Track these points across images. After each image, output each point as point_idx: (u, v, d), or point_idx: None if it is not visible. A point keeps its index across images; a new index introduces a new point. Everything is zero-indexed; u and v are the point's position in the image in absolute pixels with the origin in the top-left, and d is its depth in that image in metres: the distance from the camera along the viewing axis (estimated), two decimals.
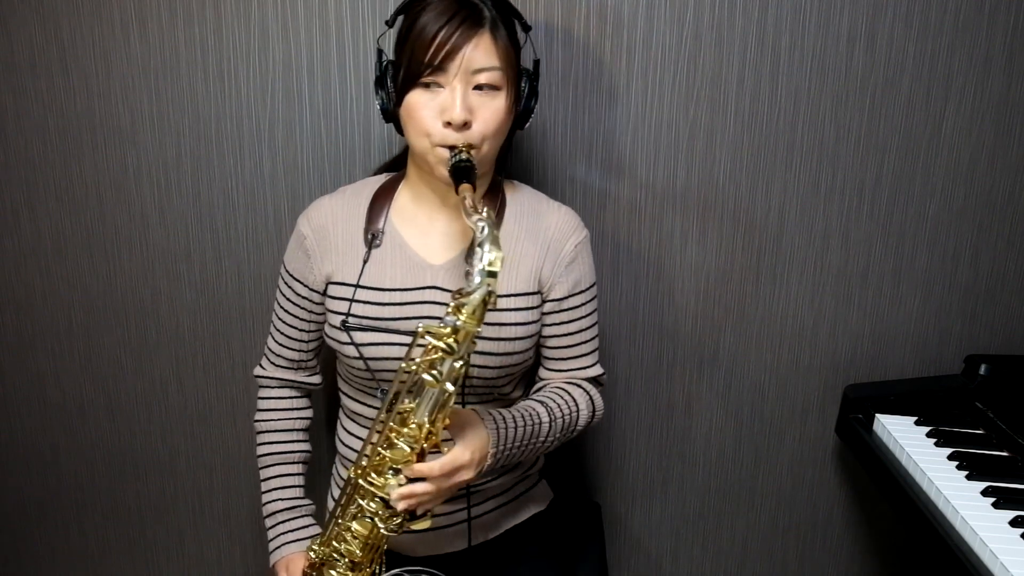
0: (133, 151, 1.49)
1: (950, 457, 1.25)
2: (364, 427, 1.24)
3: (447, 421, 1.02)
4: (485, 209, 0.95)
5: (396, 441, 1.01)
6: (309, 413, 1.33)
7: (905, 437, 1.32)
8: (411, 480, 1.01)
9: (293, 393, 1.31)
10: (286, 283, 1.23)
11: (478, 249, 0.92)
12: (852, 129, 1.41)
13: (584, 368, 1.24)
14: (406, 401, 1.00)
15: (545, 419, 1.14)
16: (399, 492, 1.00)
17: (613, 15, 1.37)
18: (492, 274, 0.91)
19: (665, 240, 1.48)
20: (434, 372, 0.96)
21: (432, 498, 1.02)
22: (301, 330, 1.25)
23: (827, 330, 1.52)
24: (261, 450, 1.29)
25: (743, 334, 1.53)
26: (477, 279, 0.91)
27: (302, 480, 1.29)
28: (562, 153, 1.44)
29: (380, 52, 1.13)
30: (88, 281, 1.57)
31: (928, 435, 1.32)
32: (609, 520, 1.64)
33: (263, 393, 1.31)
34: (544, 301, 1.19)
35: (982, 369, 1.43)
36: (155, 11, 1.41)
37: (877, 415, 1.39)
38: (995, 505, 1.12)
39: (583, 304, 1.21)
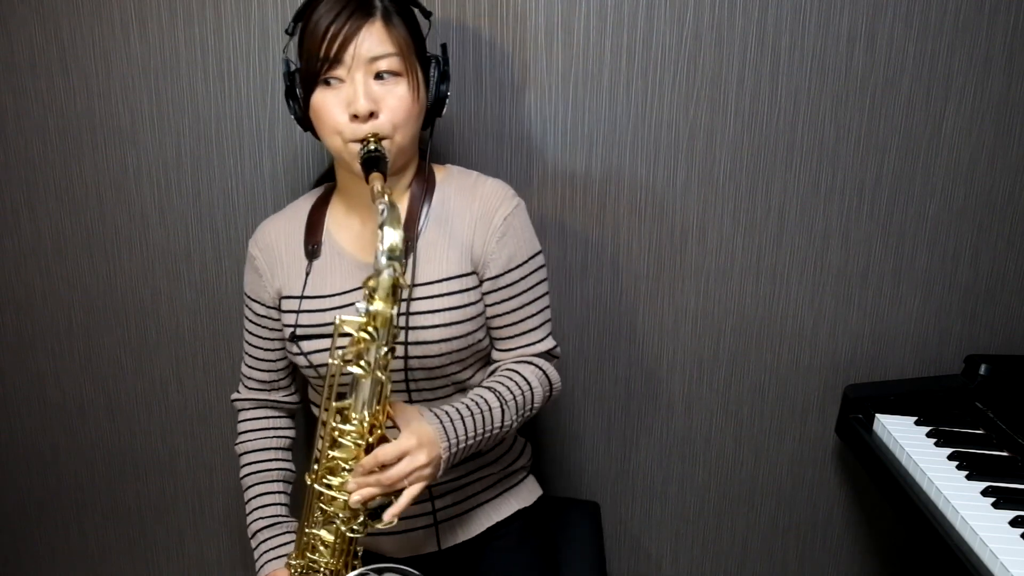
0: (133, 151, 1.49)
1: (950, 457, 1.25)
2: None
3: (389, 411, 1.02)
4: (387, 194, 0.96)
5: (341, 440, 1.02)
6: (290, 433, 1.33)
7: (905, 437, 1.32)
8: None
9: (270, 413, 1.32)
10: (247, 306, 1.26)
11: (379, 231, 0.93)
12: (852, 129, 1.41)
13: (532, 344, 1.21)
14: (345, 398, 1.01)
15: (495, 404, 1.12)
16: (350, 484, 1.01)
17: (613, 15, 1.37)
18: (394, 253, 0.93)
19: (665, 240, 1.48)
20: (362, 363, 0.96)
21: (385, 488, 1.01)
22: (266, 349, 1.27)
23: (827, 330, 1.52)
24: (243, 472, 1.29)
25: (743, 334, 1.53)
26: (383, 261, 0.93)
27: (284, 499, 1.28)
28: (562, 153, 1.44)
29: (287, 62, 1.13)
30: (88, 281, 1.57)
31: (928, 435, 1.32)
32: (609, 520, 1.64)
33: (241, 416, 1.33)
34: (482, 280, 1.17)
35: (982, 369, 1.42)
36: (155, 11, 1.41)
37: (877, 415, 1.39)
38: (995, 505, 1.12)
39: (523, 278, 1.18)
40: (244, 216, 1.51)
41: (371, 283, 0.94)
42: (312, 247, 1.19)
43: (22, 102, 1.48)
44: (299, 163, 1.47)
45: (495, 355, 1.23)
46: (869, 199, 1.45)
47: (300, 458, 1.34)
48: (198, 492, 1.68)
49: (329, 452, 1.04)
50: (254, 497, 1.26)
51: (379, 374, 0.97)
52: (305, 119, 1.12)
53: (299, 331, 1.16)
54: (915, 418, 1.38)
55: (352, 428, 1.01)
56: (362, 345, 0.96)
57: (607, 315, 1.52)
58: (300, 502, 1.30)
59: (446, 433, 1.06)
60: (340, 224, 1.20)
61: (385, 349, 0.97)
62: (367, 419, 1.00)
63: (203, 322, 1.57)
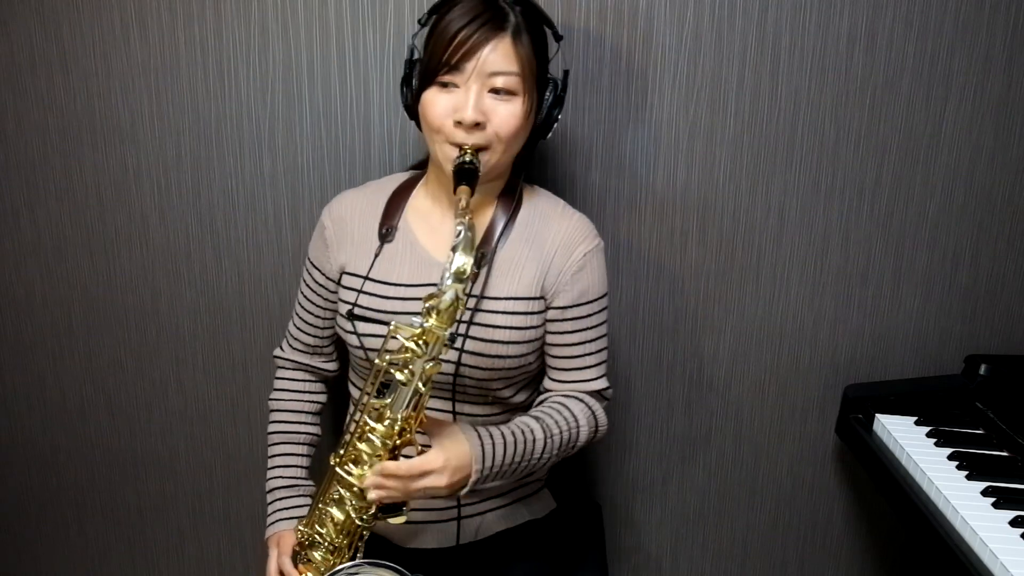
0: (133, 151, 1.49)
1: (950, 457, 1.25)
2: None
3: (423, 421, 1.03)
4: (468, 215, 0.97)
5: (370, 436, 1.03)
6: (322, 398, 1.36)
7: (905, 437, 1.32)
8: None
9: (307, 377, 1.34)
10: (307, 270, 1.27)
11: (451, 253, 0.94)
12: (852, 129, 1.41)
13: (587, 380, 1.22)
14: (382, 397, 1.02)
15: (540, 436, 1.12)
16: (369, 480, 1.02)
17: (613, 15, 1.37)
18: (460, 278, 0.94)
19: (665, 240, 1.48)
20: (406, 370, 0.98)
21: (398, 495, 1.02)
22: (317, 316, 1.28)
23: (827, 330, 1.52)
24: (271, 428, 1.32)
25: (743, 334, 1.53)
26: (447, 282, 0.94)
27: (306, 461, 1.31)
28: (562, 153, 1.44)
29: (411, 50, 1.14)
30: (88, 281, 1.57)
31: (928, 435, 1.32)
32: (609, 520, 1.64)
33: (279, 374, 1.35)
34: (548, 308, 1.18)
35: (982, 369, 1.42)
36: (155, 11, 1.41)
37: (877, 415, 1.39)
38: (995, 505, 1.12)
39: (589, 315, 1.19)
40: (244, 216, 1.51)
41: (431, 301, 0.95)
42: (386, 230, 1.19)
43: (22, 102, 1.48)
44: (299, 163, 1.47)
45: (548, 383, 1.24)
46: (869, 199, 1.45)
47: (327, 425, 1.37)
48: (198, 492, 1.68)
49: (356, 443, 1.05)
50: (278, 455, 1.30)
51: (420, 385, 0.99)
52: (412, 108, 1.13)
53: (357, 311, 1.17)
54: (915, 418, 1.38)
55: (382, 428, 1.02)
56: (409, 355, 0.97)
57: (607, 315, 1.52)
58: (320, 466, 1.32)
59: (483, 457, 1.06)
60: (419, 214, 1.20)
61: (431, 363, 0.98)
62: (399, 422, 1.01)
63: (203, 322, 1.57)
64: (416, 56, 1.13)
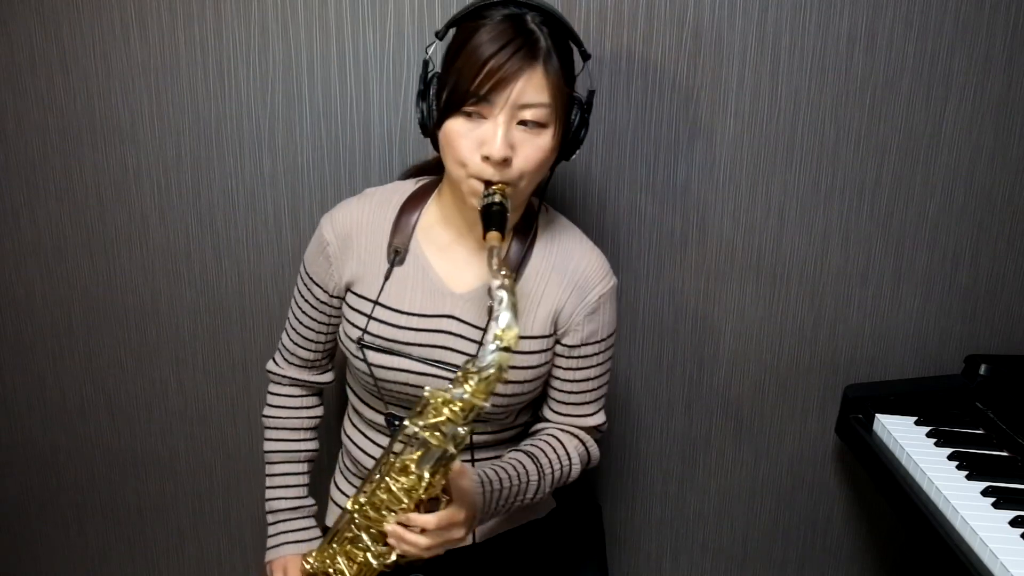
0: (133, 151, 1.49)
1: (950, 457, 1.25)
2: (368, 425, 1.24)
3: (446, 479, 1.01)
4: (505, 273, 0.91)
5: (393, 488, 1.01)
6: (319, 412, 1.31)
7: (905, 437, 1.32)
8: (405, 526, 1.01)
9: (304, 392, 1.30)
10: (305, 285, 1.20)
11: (493, 323, 0.89)
12: (852, 129, 1.41)
13: (585, 416, 1.22)
14: (409, 451, 0.99)
15: (534, 478, 1.13)
16: (393, 529, 1.00)
17: (613, 15, 1.37)
18: (506, 348, 0.89)
19: (665, 240, 1.48)
20: (438, 433, 0.95)
21: (420, 550, 1.00)
22: (317, 332, 1.23)
23: (827, 330, 1.52)
24: (268, 446, 1.28)
25: (743, 334, 1.53)
26: (490, 355, 0.89)
27: (307, 479, 1.29)
28: None
29: (426, 63, 1.05)
30: (88, 281, 1.57)
31: (928, 435, 1.32)
32: (609, 520, 1.64)
33: (273, 389, 1.30)
34: (557, 343, 1.16)
35: (982, 369, 1.42)
36: (155, 11, 1.41)
37: (877, 415, 1.39)
38: (995, 505, 1.12)
39: (595, 354, 1.18)
40: (244, 216, 1.51)
41: (471, 368, 0.91)
42: (396, 251, 1.13)
43: (22, 102, 1.48)
44: (299, 163, 1.47)
45: (546, 413, 1.23)
46: (869, 199, 1.45)
47: (323, 437, 1.35)
48: (198, 492, 1.68)
49: (378, 493, 1.03)
50: (278, 475, 1.26)
51: (451, 448, 0.95)
52: (429, 130, 1.06)
53: (367, 339, 1.13)
54: (915, 418, 1.38)
55: (408, 483, 0.99)
56: (443, 420, 0.94)
57: None
58: (317, 480, 1.32)
59: (485, 502, 1.06)
60: (431, 234, 1.14)
61: (464, 430, 0.94)
62: (427, 479, 0.98)
63: (203, 322, 1.57)
64: (432, 70, 1.05)
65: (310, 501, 1.28)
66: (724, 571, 1.68)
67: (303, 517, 1.25)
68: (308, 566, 1.15)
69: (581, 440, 1.22)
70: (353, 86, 1.42)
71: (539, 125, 1.01)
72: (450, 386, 0.94)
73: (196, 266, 1.54)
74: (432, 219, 1.15)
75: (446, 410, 0.93)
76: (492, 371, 0.90)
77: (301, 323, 1.23)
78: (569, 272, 1.14)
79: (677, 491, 1.63)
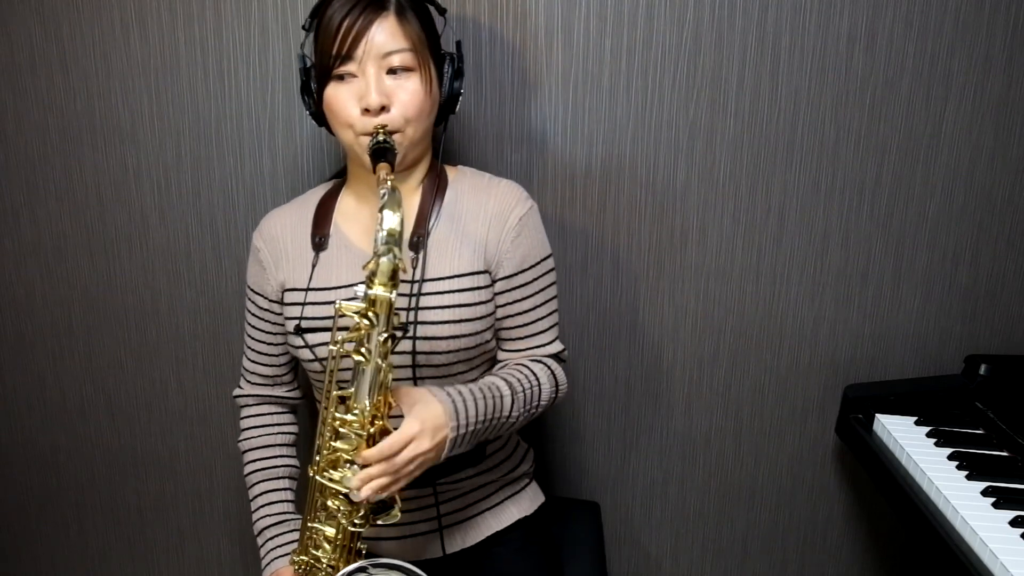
0: (133, 151, 1.49)
1: (950, 457, 1.25)
2: None
3: (392, 401, 1.01)
4: (390, 180, 0.97)
5: (343, 431, 1.01)
6: (293, 428, 1.32)
7: (905, 437, 1.31)
8: (365, 467, 1.00)
9: (273, 409, 1.31)
10: (249, 299, 1.25)
11: (378, 215, 0.93)
12: (852, 129, 1.41)
13: (541, 346, 1.21)
14: (345, 389, 1.00)
15: (506, 391, 1.12)
16: (355, 479, 1.00)
17: (613, 15, 1.37)
18: (393, 237, 0.93)
19: (665, 240, 1.48)
20: (363, 350, 0.96)
21: (391, 478, 1.00)
22: (270, 344, 1.26)
23: (827, 330, 1.52)
24: (247, 469, 1.28)
25: (743, 334, 1.53)
26: (382, 246, 0.93)
27: (290, 495, 1.27)
28: (562, 153, 1.44)
29: (302, 58, 1.14)
30: (88, 281, 1.57)
31: (928, 435, 1.32)
32: (609, 520, 1.64)
33: (244, 412, 1.31)
34: (494, 280, 1.17)
35: (982, 369, 1.42)
36: (155, 11, 1.41)
37: (877, 415, 1.39)
38: (995, 505, 1.12)
39: (535, 280, 1.18)
40: (244, 216, 1.51)
41: (370, 267, 0.94)
42: (319, 239, 1.18)
43: (22, 102, 1.48)
44: (299, 163, 1.47)
45: (501, 355, 1.23)
46: (869, 199, 1.45)
47: (303, 454, 1.33)
48: (198, 492, 1.68)
49: (331, 444, 1.03)
50: (260, 495, 1.26)
51: (379, 361, 0.97)
52: (319, 114, 1.13)
53: (304, 324, 1.15)
54: (915, 418, 1.38)
55: (354, 419, 1.00)
56: (362, 331, 0.95)
57: (607, 315, 1.52)
58: (303, 498, 1.31)
59: (456, 414, 1.04)
60: (349, 217, 1.20)
61: (385, 335, 0.96)
62: (368, 408, 0.99)
63: (203, 322, 1.57)
64: (309, 64, 1.12)
65: (295, 515, 1.26)
66: (724, 571, 1.68)
67: (289, 530, 1.24)
68: (296, 565, 1.15)
69: (545, 364, 1.21)
70: None
71: (407, 70, 1.07)
72: (358, 291, 0.96)
73: (196, 266, 1.54)
74: (348, 201, 1.22)
75: (362, 319, 0.95)
76: (387, 260, 0.92)
77: (253, 338, 1.26)
78: (484, 207, 1.17)
79: (677, 491, 1.64)
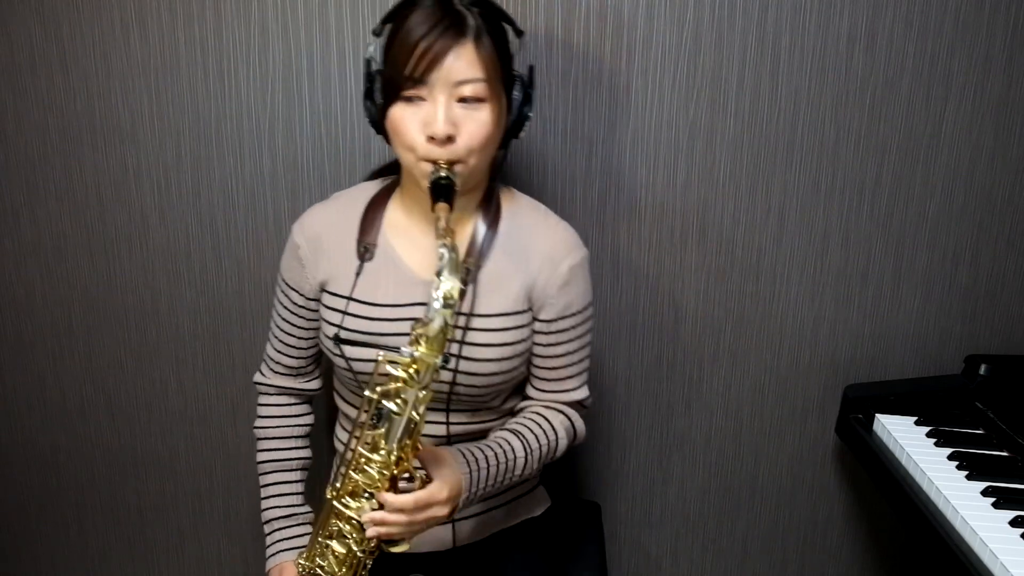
0: (133, 151, 1.49)
1: (950, 457, 1.25)
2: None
3: (418, 449, 1.02)
4: (450, 235, 0.95)
5: (367, 467, 1.02)
6: (309, 420, 1.33)
7: (905, 437, 1.32)
8: (383, 508, 1.01)
9: (292, 400, 1.31)
10: (283, 291, 1.23)
11: (436, 279, 0.92)
12: (852, 129, 1.41)
13: (568, 391, 1.22)
14: (376, 427, 1.00)
15: (520, 455, 1.13)
16: (370, 516, 1.01)
17: (613, 15, 1.37)
18: (449, 305, 0.91)
19: (665, 240, 1.48)
20: (398, 400, 0.97)
21: (402, 530, 1.02)
22: (299, 338, 1.25)
23: (827, 330, 1.52)
24: (260, 456, 1.29)
25: (743, 334, 1.53)
26: (435, 310, 0.92)
27: (301, 487, 1.29)
28: (562, 153, 1.44)
29: (368, 62, 1.10)
30: (88, 281, 1.57)
31: (928, 435, 1.32)
32: (609, 520, 1.64)
33: (262, 400, 1.31)
34: (534, 319, 1.17)
35: (982, 369, 1.42)
36: (155, 11, 1.41)
37: (877, 415, 1.39)
38: (995, 505, 1.12)
39: (573, 327, 1.18)
40: (244, 216, 1.51)
41: (420, 329, 0.93)
42: (365, 247, 1.16)
43: (22, 102, 1.48)
44: (299, 163, 1.47)
45: (530, 391, 1.24)
46: (869, 199, 1.45)
47: (317, 445, 1.35)
48: (198, 492, 1.68)
49: (352, 474, 1.04)
50: (272, 484, 1.27)
51: (414, 414, 0.97)
52: (379, 123, 1.10)
53: (343, 334, 1.14)
54: (915, 418, 1.38)
55: (379, 459, 1.00)
56: (401, 385, 0.96)
57: (607, 315, 1.52)
58: (313, 489, 1.31)
59: (471, 483, 1.06)
60: (398, 229, 1.17)
61: (423, 392, 0.96)
62: (395, 452, 0.99)
63: (203, 322, 1.57)
64: (375, 68, 1.09)
65: (305, 508, 1.28)
66: (724, 571, 1.68)
67: (298, 524, 1.25)
68: (300, 567, 1.15)
69: (566, 415, 1.22)
70: (353, 86, 1.42)
71: (478, 100, 1.03)
72: (404, 351, 0.96)
73: (196, 266, 1.54)
74: (397, 213, 1.18)
75: (401, 373, 0.95)
76: (438, 326, 0.92)
77: (282, 330, 1.25)
78: (538, 247, 1.16)
79: (677, 491, 1.63)
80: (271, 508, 1.26)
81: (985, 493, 1.15)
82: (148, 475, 1.68)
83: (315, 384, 1.31)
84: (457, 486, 1.04)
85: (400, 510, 1.00)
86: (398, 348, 0.97)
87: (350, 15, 1.39)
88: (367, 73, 1.10)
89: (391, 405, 0.97)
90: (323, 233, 1.18)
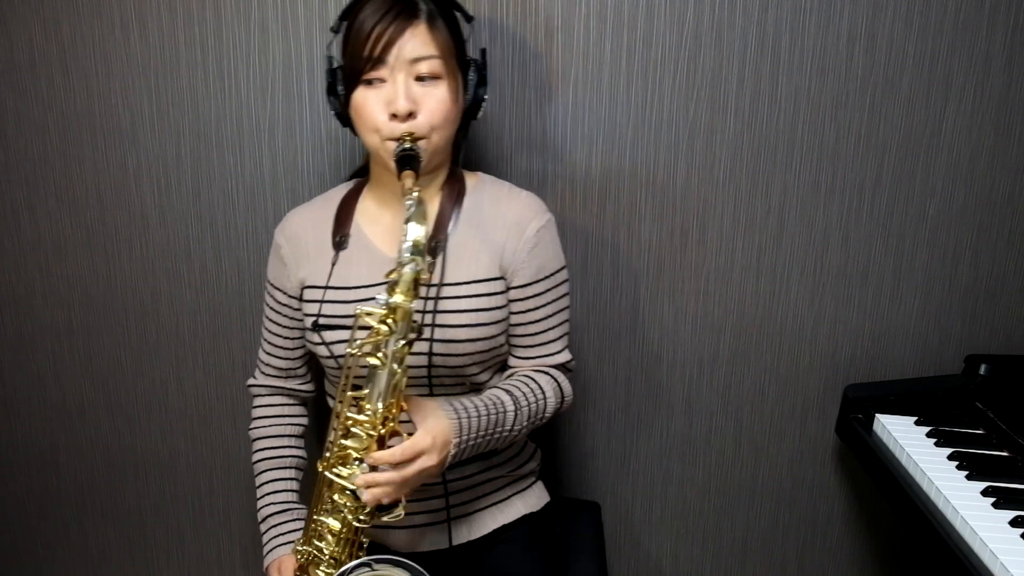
0: (133, 151, 1.49)
1: (950, 457, 1.25)
2: None
3: (404, 405, 1.04)
4: (416, 190, 0.99)
5: (354, 430, 1.03)
6: (303, 420, 1.34)
7: (905, 437, 1.31)
8: (373, 468, 1.03)
9: (285, 400, 1.33)
10: (269, 293, 1.27)
11: (404, 226, 0.95)
12: (852, 129, 1.41)
13: (551, 355, 1.24)
14: (360, 389, 1.02)
15: (510, 408, 1.14)
16: (362, 479, 1.02)
17: (613, 15, 1.37)
18: (418, 248, 0.95)
19: (665, 240, 1.48)
20: (379, 354, 0.98)
21: (397, 486, 1.03)
22: (286, 338, 1.28)
23: (827, 330, 1.52)
24: (255, 457, 1.31)
25: (743, 334, 1.53)
26: (406, 256, 0.95)
27: (295, 485, 1.30)
28: (562, 153, 1.44)
29: (330, 59, 1.15)
30: (88, 281, 1.57)
31: (928, 435, 1.32)
32: (609, 520, 1.64)
33: (256, 402, 1.34)
34: (508, 288, 1.19)
35: (982, 369, 1.42)
36: (155, 11, 1.41)
37: (877, 415, 1.39)
38: (995, 505, 1.12)
39: (548, 290, 1.20)
40: (244, 216, 1.51)
41: (393, 276, 0.96)
42: (340, 238, 1.20)
43: (22, 102, 1.48)
44: (299, 163, 1.47)
45: (511, 362, 1.25)
46: (869, 199, 1.45)
47: (312, 446, 1.35)
48: (198, 492, 1.68)
49: (341, 441, 1.05)
50: (266, 483, 1.28)
51: (395, 366, 0.99)
52: (344, 115, 1.15)
53: (322, 321, 1.17)
54: (915, 418, 1.38)
55: (365, 419, 1.02)
56: (380, 337, 0.98)
57: (607, 315, 1.52)
58: (311, 490, 1.32)
59: (460, 430, 1.07)
60: (370, 217, 1.21)
61: (402, 342, 0.98)
62: (380, 411, 1.01)
63: (203, 322, 1.57)
64: (336, 65, 1.14)
65: (299, 504, 1.28)
66: (724, 571, 1.68)
67: (293, 519, 1.26)
68: (298, 555, 1.16)
69: (552, 376, 1.23)
70: None
71: (435, 77, 1.09)
72: (379, 299, 0.98)
73: (196, 266, 1.54)
74: (369, 203, 1.23)
75: (381, 325, 0.97)
76: (410, 271, 0.94)
77: (271, 331, 1.29)
78: (504, 215, 1.19)
79: (677, 491, 1.63)
80: (266, 505, 1.27)
81: (985, 493, 1.15)
82: (148, 475, 1.68)
83: (307, 386, 1.34)
84: (444, 433, 1.05)
85: (389, 464, 1.01)
86: (374, 298, 0.99)
87: None
88: (329, 70, 1.15)
89: (371, 360, 0.99)
90: (301, 232, 1.23)
